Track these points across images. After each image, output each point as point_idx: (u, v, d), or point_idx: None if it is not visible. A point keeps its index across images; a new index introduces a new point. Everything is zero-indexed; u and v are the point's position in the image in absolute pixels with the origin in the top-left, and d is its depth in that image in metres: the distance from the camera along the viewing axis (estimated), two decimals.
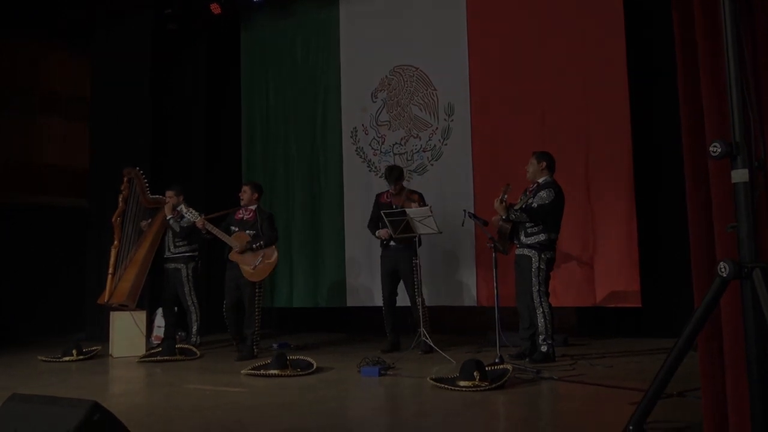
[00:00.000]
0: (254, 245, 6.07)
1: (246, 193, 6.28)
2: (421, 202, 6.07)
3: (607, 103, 6.33)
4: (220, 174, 8.65)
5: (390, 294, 6.23)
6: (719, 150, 1.73)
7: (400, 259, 6.04)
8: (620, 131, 6.25)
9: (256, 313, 6.08)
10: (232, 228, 6.21)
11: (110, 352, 6.40)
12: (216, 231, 6.11)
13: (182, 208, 6.21)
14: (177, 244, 6.66)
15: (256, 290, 6.10)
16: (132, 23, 8.21)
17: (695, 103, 2.06)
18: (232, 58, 8.73)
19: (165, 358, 5.96)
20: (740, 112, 1.71)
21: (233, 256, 6.11)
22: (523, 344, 5.44)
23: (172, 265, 6.69)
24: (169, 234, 6.68)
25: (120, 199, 6.66)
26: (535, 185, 5.37)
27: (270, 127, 8.49)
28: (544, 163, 5.38)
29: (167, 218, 6.58)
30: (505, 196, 5.27)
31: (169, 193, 6.67)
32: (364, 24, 7.89)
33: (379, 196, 6.53)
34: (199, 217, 6.13)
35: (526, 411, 3.82)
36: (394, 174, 6.26)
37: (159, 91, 8.30)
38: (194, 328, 6.69)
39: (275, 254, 6.21)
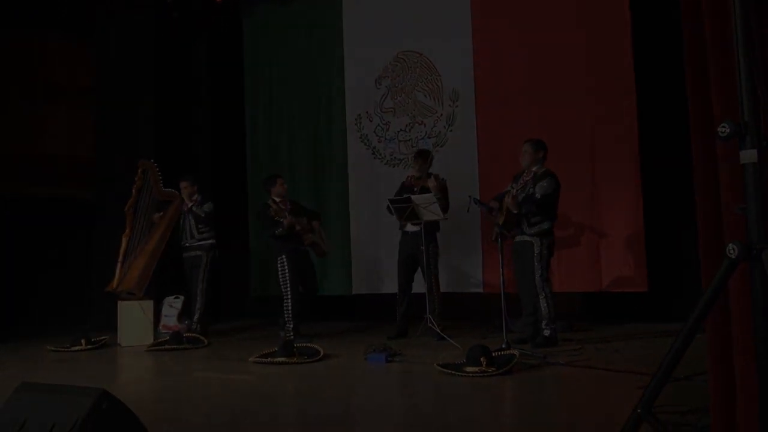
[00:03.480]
0: (317, 226, 6.60)
1: (280, 186, 6.55)
2: (439, 184, 6.01)
3: (613, 85, 6.30)
4: (225, 163, 8.66)
5: (406, 280, 6.22)
6: (728, 131, 1.71)
7: (421, 244, 6.01)
8: (626, 114, 6.21)
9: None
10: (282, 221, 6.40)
11: (118, 342, 6.43)
12: (299, 221, 6.39)
13: (271, 207, 6.33)
14: (201, 230, 6.78)
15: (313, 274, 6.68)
16: (135, 13, 8.19)
17: (702, 82, 2.04)
18: (235, 47, 8.70)
19: (173, 346, 5.99)
20: (749, 91, 1.69)
21: (309, 240, 6.44)
22: (526, 330, 5.44)
23: (193, 253, 6.78)
24: (191, 222, 6.78)
25: (134, 189, 6.72)
26: (531, 174, 5.35)
27: (274, 115, 8.47)
28: (542, 153, 5.39)
29: (189, 205, 6.73)
30: (520, 193, 5.28)
31: (183, 184, 6.84)
32: (368, 10, 7.84)
33: (403, 182, 6.50)
34: (288, 217, 6.29)
35: (533, 396, 3.83)
36: (421, 155, 6.29)
37: (162, 80, 8.28)
38: (196, 316, 6.71)
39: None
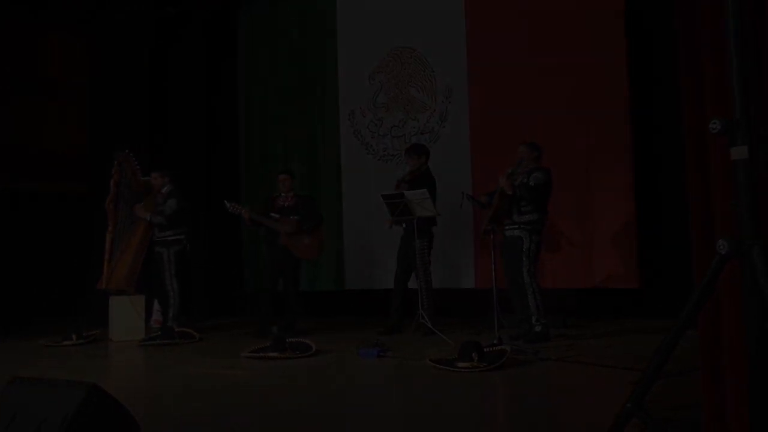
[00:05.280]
0: (305, 227, 6.40)
1: (288, 181, 6.57)
2: (404, 185, 6.00)
3: (606, 82, 6.30)
4: (220, 156, 8.64)
5: (400, 273, 6.21)
6: (718, 127, 1.72)
7: (409, 240, 6.02)
8: (619, 109, 6.23)
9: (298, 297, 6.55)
10: (273, 215, 6.43)
11: (110, 337, 6.41)
12: (263, 220, 6.40)
13: (228, 204, 6.37)
14: (166, 225, 6.61)
15: (298, 272, 6.56)
16: (131, 6, 8.16)
17: (696, 77, 2.04)
18: (230, 41, 8.68)
19: (164, 341, 5.97)
20: (740, 87, 1.69)
21: (284, 240, 6.35)
22: (522, 326, 5.45)
23: (156, 249, 6.68)
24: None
25: (111, 183, 6.63)
26: (527, 169, 5.38)
27: (268, 109, 8.46)
28: (536, 153, 5.42)
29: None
30: (517, 170, 5.29)
31: (153, 175, 6.68)
32: (362, 6, 7.83)
33: None
34: (244, 210, 6.32)
35: (524, 391, 3.84)
36: (408, 152, 6.27)
37: (158, 74, 8.26)
38: (170, 313, 6.59)
39: (323, 232, 6.60)
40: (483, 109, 7.00)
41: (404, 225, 6.07)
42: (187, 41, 8.66)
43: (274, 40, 8.44)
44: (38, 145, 8.33)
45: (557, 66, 6.52)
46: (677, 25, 2.17)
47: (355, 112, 7.82)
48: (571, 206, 6.37)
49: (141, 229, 6.64)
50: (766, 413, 1.69)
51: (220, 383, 4.24)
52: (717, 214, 1.99)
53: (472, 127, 7.07)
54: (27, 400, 2.41)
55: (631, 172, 6.20)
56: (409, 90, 7.53)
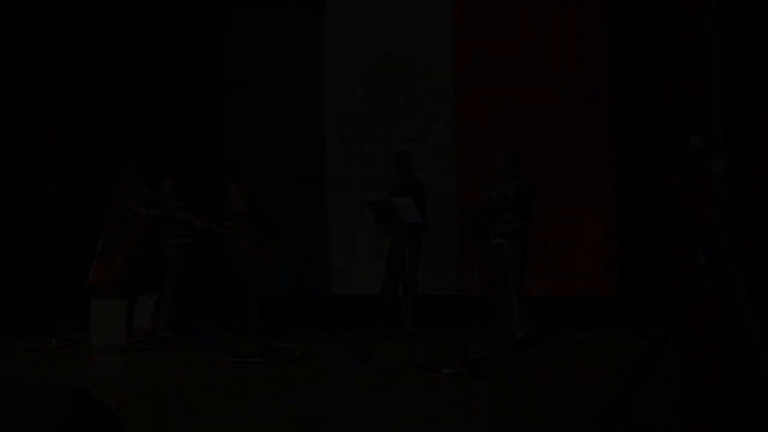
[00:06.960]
0: (256, 231, 6.46)
1: (238, 189, 6.66)
2: (396, 192, 6.04)
3: (590, 90, 6.41)
4: (206, 160, 8.60)
5: (388, 280, 6.20)
6: (699, 142, 1.78)
7: (398, 247, 6.04)
8: (602, 119, 6.32)
9: (258, 302, 6.52)
10: (225, 223, 6.56)
11: (91, 340, 6.35)
12: (214, 226, 6.53)
13: (179, 214, 6.49)
14: (176, 227, 6.62)
15: (258, 278, 6.55)
16: (116, 4, 8.11)
17: (677, 90, 2.10)
18: (218, 45, 8.67)
19: (147, 346, 5.94)
20: (720, 102, 1.75)
21: (241, 246, 6.45)
22: (506, 333, 5.48)
23: (167, 252, 6.67)
24: (168, 222, 6.67)
25: (117, 185, 6.66)
26: (506, 177, 5.43)
27: (254, 113, 8.44)
28: (512, 156, 5.48)
29: (170, 204, 6.62)
30: (497, 181, 5.36)
31: (169, 182, 6.74)
32: (350, 12, 7.86)
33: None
34: (195, 218, 6.41)
35: (507, 397, 3.88)
36: (397, 159, 6.28)
37: (145, 75, 8.20)
38: (162, 316, 6.55)
39: (276, 235, 6.63)
40: (469, 116, 7.06)
41: (393, 232, 6.08)
42: (177, 42, 8.62)
43: (262, 46, 8.43)
44: (20, 144, 8.24)
45: (542, 75, 6.61)
46: (663, 38, 2.22)
47: (342, 118, 7.84)
48: (552, 214, 6.44)
49: (136, 234, 6.66)
50: (747, 418, 1.74)
51: (205, 388, 4.23)
52: (697, 224, 2.04)
53: (458, 135, 7.12)
54: (10, 405, 2.39)
55: (612, 181, 6.28)
56: (396, 97, 7.57)
